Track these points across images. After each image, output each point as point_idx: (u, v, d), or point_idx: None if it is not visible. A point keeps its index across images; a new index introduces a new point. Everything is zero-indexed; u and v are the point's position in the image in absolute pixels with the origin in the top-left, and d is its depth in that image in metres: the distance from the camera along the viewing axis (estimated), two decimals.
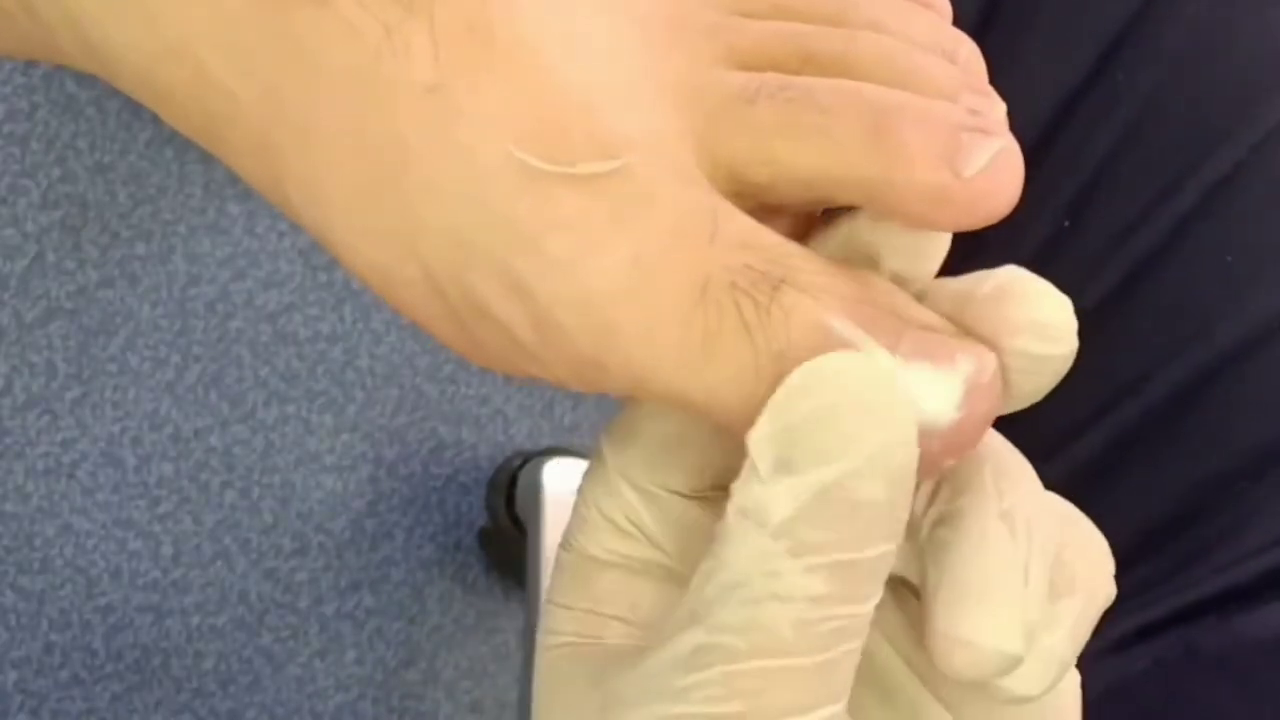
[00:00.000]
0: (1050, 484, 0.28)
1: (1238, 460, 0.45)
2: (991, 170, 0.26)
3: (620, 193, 0.26)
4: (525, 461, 1.23)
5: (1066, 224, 0.45)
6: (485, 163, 0.26)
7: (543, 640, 0.29)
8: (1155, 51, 0.43)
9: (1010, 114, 0.44)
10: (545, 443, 1.29)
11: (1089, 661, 0.44)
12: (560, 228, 0.26)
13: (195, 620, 1.18)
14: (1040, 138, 0.44)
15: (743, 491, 0.25)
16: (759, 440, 0.25)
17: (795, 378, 0.25)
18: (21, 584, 1.13)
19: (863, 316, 0.25)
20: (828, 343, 0.25)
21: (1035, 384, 0.27)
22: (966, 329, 0.27)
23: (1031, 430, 0.42)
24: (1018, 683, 0.27)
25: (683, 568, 0.28)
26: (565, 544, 0.29)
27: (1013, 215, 0.45)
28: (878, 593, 0.25)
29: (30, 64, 1.07)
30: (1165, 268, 0.44)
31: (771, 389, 0.25)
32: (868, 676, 0.28)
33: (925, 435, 0.25)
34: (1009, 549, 0.26)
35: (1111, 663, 0.44)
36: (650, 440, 0.28)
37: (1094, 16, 0.44)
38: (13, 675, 1.13)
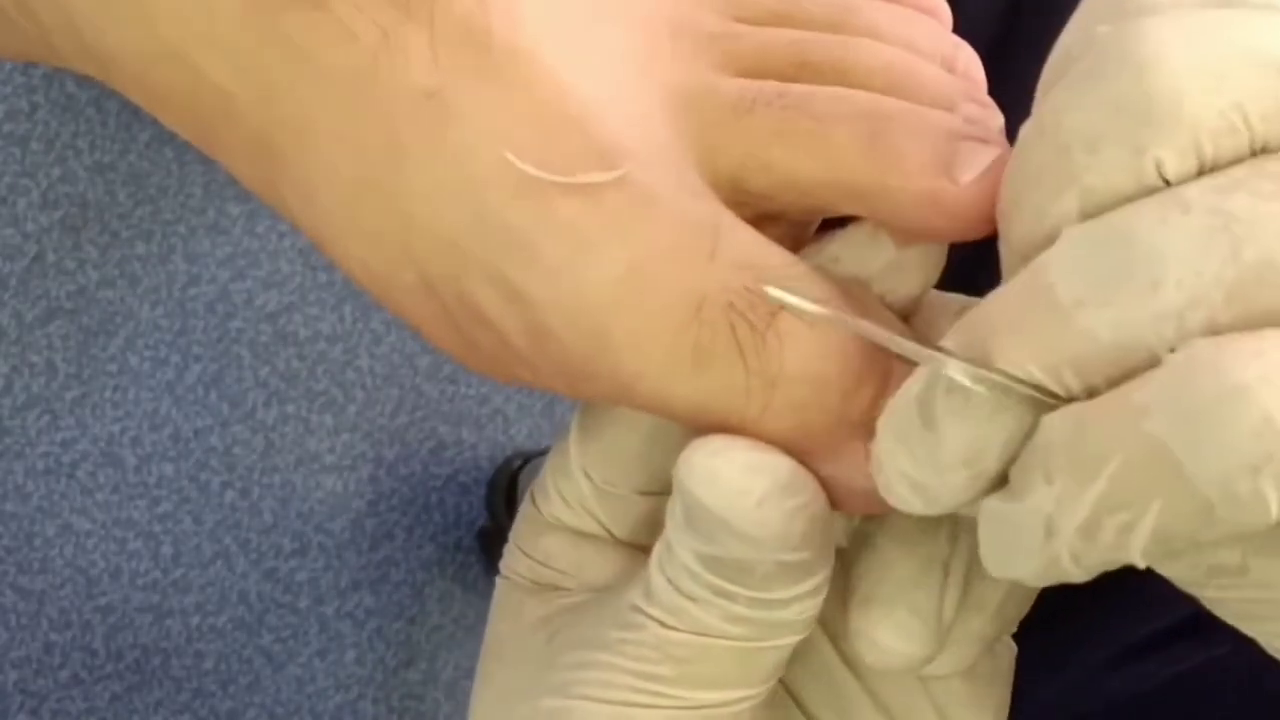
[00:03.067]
0: None
1: None
2: (986, 179, 0.26)
3: (618, 203, 0.26)
4: (525, 461, 1.23)
5: None
6: (481, 168, 0.26)
7: (502, 569, 0.30)
8: None
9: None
10: (545, 443, 1.29)
11: (1107, 665, 0.44)
12: (556, 235, 0.26)
13: (195, 620, 1.18)
14: None
15: (669, 517, 0.26)
16: (675, 490, 0.26)
17: (684, 454, 0.26)
18: (21, 584, 1.13)
19: (857, 351, 0.26)
20: (819, 378, 0.25)
21: None
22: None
23: None
24: (936, 663, 0.28)
25: (629, 542, 0.30)
26: (529, 495, 0.30)
27: None
28: (809, 600, 0.26)
29: (30, 64, 1.07)
30: None
31: (761, 411, 0.26)
32: (797, 651, 0.29)
33: None
34: (930, 547, 0.27)
35: (1133, 670, 0.44)
36: (613, 447, 0.29)
37: None
38: (13, 675, 1.13)
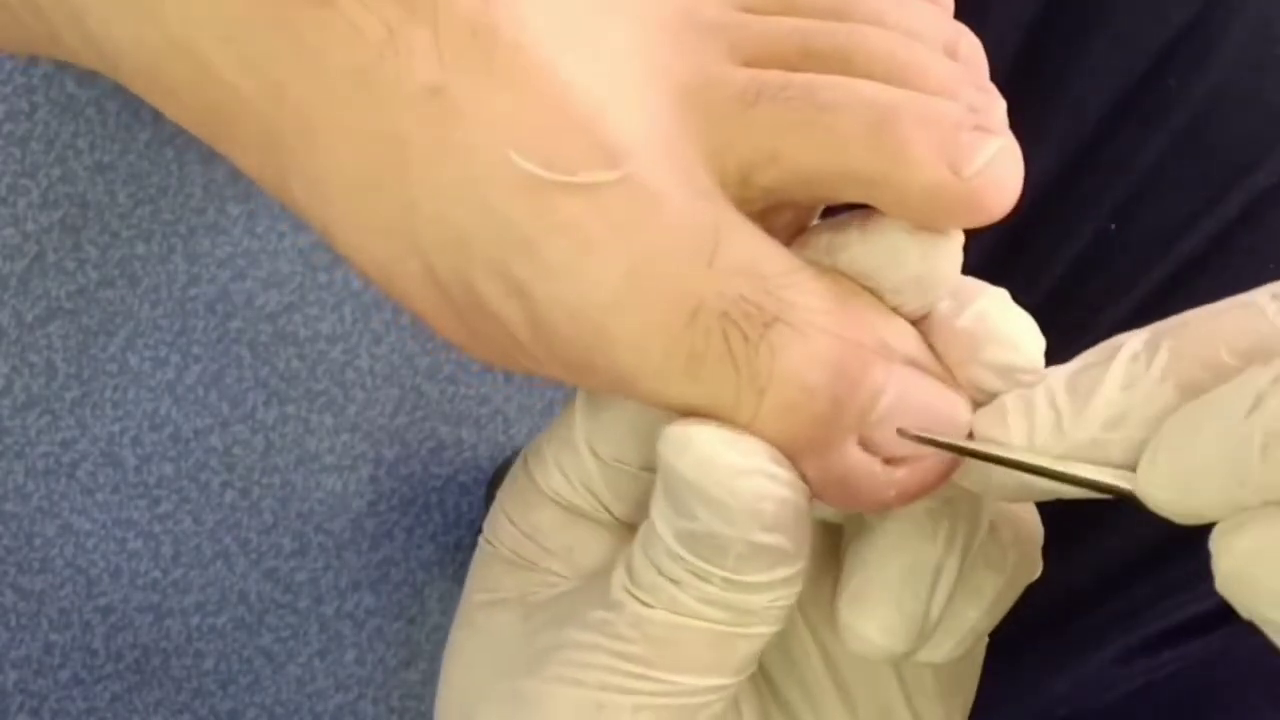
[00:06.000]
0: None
1: None
2: (990, 169, 0.26)
3: (620, 203, 0.26)
4: None
5: (1113, 227, 0.44)
6: (485, 165, 0.26)
7: (483, 537, 0.30)
8: (1207, 60, 0.43)
9: (1065, 115, 0.44)
10: None
11: (1118, 661, 0.44)
12: (558, 233, 0.26)
13: (195, 620, 1.18)
14: (1092, 140, 0.44)
15: (653, 496, 0.27)
16: (658, 469, 0.26)
17: (664, 435, 0.26)
18: (21, 584, 1.13)
19: (852, 361, 0.26)
20: (810, 389, 0.26)
21: None
22: (942, 354, 0.27)
23: None
24: (929, 651, 0.28)
25: (625, 523, 0.30)
26: (523, 463, 0.30)
27: (1062, 215, 0.44)
28: (781, 590, 0.26)
29: (30, 64, 1.07)
30: (1206, 274, 0.44)
31: (750, 418, 0.26)
32: (775, 639, 0.29)
33: (883, 484, 0.26)
34: (925, 548, 0.27)
35: (1144, 665, 0.44)
36: (620, 420, 0.29)
37: (1152, 22, 0.44)
38: (13, 675, 1.13)
